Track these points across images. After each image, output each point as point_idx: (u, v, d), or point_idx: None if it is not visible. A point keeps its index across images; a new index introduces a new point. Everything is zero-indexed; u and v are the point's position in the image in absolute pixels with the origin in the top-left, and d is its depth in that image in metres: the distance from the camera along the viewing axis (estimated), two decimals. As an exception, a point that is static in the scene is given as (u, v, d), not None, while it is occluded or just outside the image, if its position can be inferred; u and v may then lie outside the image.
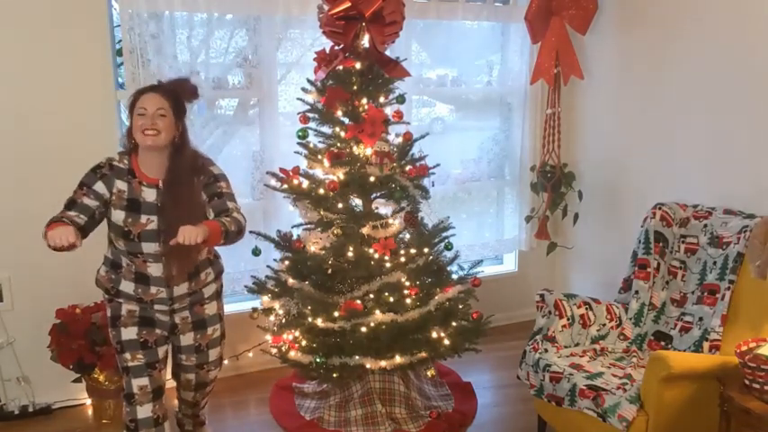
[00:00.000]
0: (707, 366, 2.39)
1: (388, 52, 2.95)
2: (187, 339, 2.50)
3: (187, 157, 2.32)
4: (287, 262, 3.05)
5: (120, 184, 2.27)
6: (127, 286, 2.35)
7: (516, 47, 4.00)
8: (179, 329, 2.48)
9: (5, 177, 3.00)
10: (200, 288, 2.46)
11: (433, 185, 3.14)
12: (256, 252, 3.08)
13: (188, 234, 2.03)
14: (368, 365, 2.83)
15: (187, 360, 2.55)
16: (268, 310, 3.08)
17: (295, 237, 3.10)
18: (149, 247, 2.26)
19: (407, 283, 2.90)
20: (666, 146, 3.41)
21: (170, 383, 2.62)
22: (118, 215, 2.26)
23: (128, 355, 2.37)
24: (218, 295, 2.56)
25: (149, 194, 2.28)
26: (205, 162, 2.39)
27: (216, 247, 2.53)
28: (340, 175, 2.90)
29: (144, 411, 2.37)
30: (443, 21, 3.79)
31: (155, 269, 2.31)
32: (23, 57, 2.95)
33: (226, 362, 2.69)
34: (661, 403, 2.33)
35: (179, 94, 2.33)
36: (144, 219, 2.25)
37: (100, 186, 2.26)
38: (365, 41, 2.88)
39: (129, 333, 2.37)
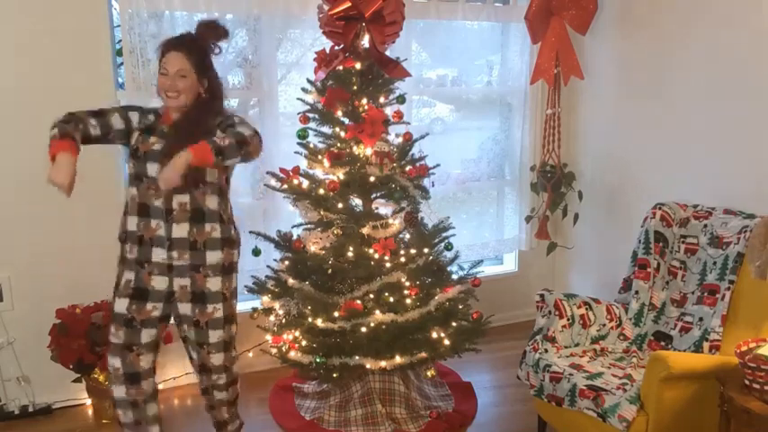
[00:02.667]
0: (707, 366, 2.39)
1: (388, 52, 2.95)
2: (185, 308, 2.41)
3: (206, 112, 2.33)
4: (287, 262, 3.06)
5: (151, 118, 2.39)
6: (132, 223, 2.34)
7: (516, 47, 4.00)
8: (176, 297, 2.40)
9: (5, 177, 3.00)
10: (202, 242, 2.35)
11: (433, 185, 3.14)
12: (256, 252, 3.08)
13: (166, 176, 2.07)
14: (368, 365, 2.83)
15: (187, 332, 2.47)
16: (268, 310, 3.08)
17: (295, 237, 3.10)
18: (151, 169, 2.27)
19: (407, 283, 2.90)
20: (666, 146, 3.41)
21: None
22: (134, 137, 2.34)
23: (112, 328, 2.38)
24: (224, 270, 2.42)
25: (165, 128, 2.35)
26: (228, 112, 2.39)
27: (232, 215, 2.49)
28: (340, 175, 2.90)
29: (118, 391, 2.38)
30: (443, 21, 3.79)
31: (156, 198, 2.30)
32: (23, 57, 2.95)
33: (235, 353, 2.59)
34: (661, 403, 2.33)
35: (204, 46, 2.34)
36: (153, 140, 2.31)
37: (134, 115, 2.37)
38: (365, 41, 2.88)
39: (120, 305, 2.37)
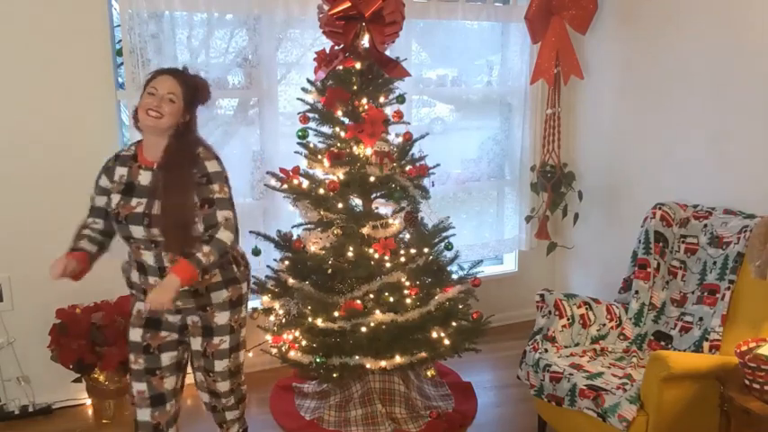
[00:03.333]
0: (707, 366, 2.39)
1: (388, 52, 2.95)
2: (195, 344, 2.41)
3: (187, 144, 2.27)
4: (287, 262, 3.06)
5: (122, 171, 2.27)
6: (135, 276, 2.33)
7: (516, 47, 4.00)
8: (189, 332, 2.40)
9: (5, 177, 3.00)
10: (204, 288, 2.32)
11: (433, 185, 3.14)
12: (256, 252, 3.08)
13: (154, 299, 2.07)
14: (368, 365, 2.83)
15: (197, 362, 2.47)
16: (268, 310, 3.08)
17: (295, 237, 3.10)
18: (137, 231, 2.20)
19: (407, 283, 2.90)
20: (666, 146, 3.41)
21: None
22: (114, 199, 2.25)
23: (132, 357, 2.37)
24: (231, 305, 2.39)
25: (145, 177, 2.24)
26: (203, 153, 2.26)
27: (240, 254, 2.46)
28: (340, 175, 2.90)
29: (143, 415, 2.36)
30: (443, 21, 3.79)
31: (148, 257, 2.24)
32: (23, 57, 2.95)
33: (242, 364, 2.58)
34: (661, 403, 2.33)
35: (196, 86, 2.30)
36: (134, 201, 2.22)
37: (103, 180, 2.29)
38: (365, 41, 2.88)
39: (135, 334, 2.36)
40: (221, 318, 2.38)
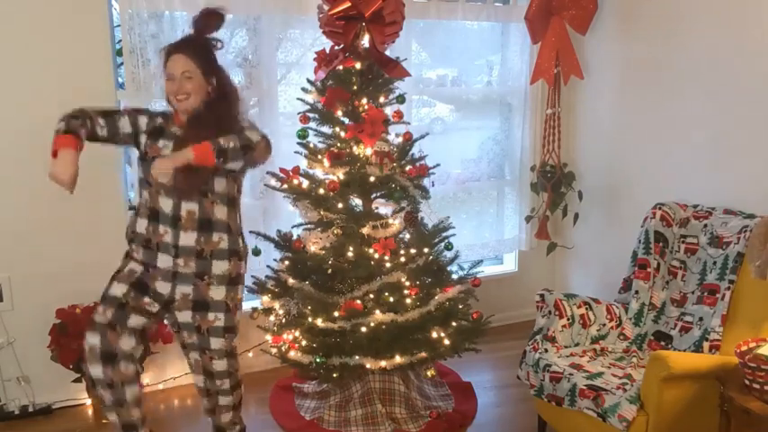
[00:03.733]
0: (707, 366, 2.39)
1: (388, 52, 2.95)
2: (185, 316, 2.38)
3: (218, 108, 2.29)
4: (287, 262, 3.05)
5: (159, 120, 2.35)
6: (141, 225, 2.31)
7: (516, 47, 4.00)
8: (176, 305, 2.37)
9: (5, 177, 3.00)
10: (209, 251, 2.31)
11: (433, 185, 3.14)
12: (256, 252, 3.08)
13: (158, 168, 2.06)
14: (368, 365, 2.83)
15: (189, 338, 2.44)
16: (268, 310, 3.08)
17: (295, 237, 3.10)
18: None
19: (407, 283, 2.90)
20: (666, 146, 3.41)
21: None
22: (143, 139, 2.31)
23: (99, 308, 2.30)
24: (229, 280, 2.38)
25: (176, 129, 2.31)
26: (235, 119, 2.32)
27: (242, 234, 2.45)
28: (340, 175, 2.90)
29: (95, 370, 2.28)
30: (443, 21, 3.79)
31: (165, 204, 2.26)
32: (23, 57, 2.95)
33: (238, 355, 2.56)
34: (661, 403, 2.33)
35: (206, 44, 2.30)
36: (161, 143, 2.29)
37: (143, 119, 2.33)
38: (365, 41, 2.88)
39: (117, 289, 2.31)
40: (217, 293, 2.36)
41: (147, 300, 2.34)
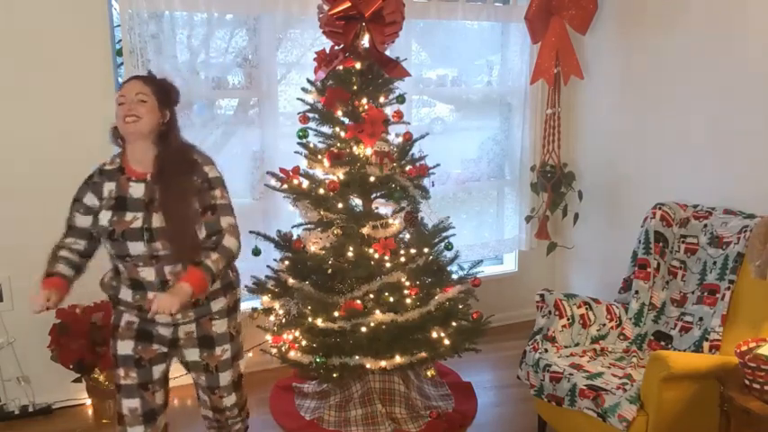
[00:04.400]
0: (707, 366, 2.39)
1: (388, 52, 2.95)
2: (192, 355, 2.32)
3: (176, 147, 2.17)
4: (287, 262, 3.05)
5: (110, 186, 2.15)
6: (126, 294, 2.20)
7: (516, 47, 4.00)
8: (181, 343, 2.30)
9: (5, 177, 3.00)
10: (204, 297, 2.25)
11: (433, 185, 3.14)
12: (256, 252, 3.08)
13: (162, 304, 1.96)
14: (368, 365, 2.83)
15: (197, 379, 2.40)
16: (268, 310, 3.08)
17: (295, 237, 3.10)
18: (135, 248, 2.09)
19: (407, 283, 2.90)
20: (666, 146, 3.41)
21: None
22: (104, 216, 2.12)
23: (121, 372, 2.23)
24: (229, 312, 2.33)
25: (137, 190, 2.13)
26: (200, 158, 2.20)
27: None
28: (340, 175, 2.90)
29: None
30: (443, 21, 3.79)
31: (147, 273, 2.13)
32: (23, 57, 2.95)
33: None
34: (661, 403, 2.33)
35: (164, 86, 2.19)
36: (129, 216, 2.10)
37: (90, 198, 2.17)
38: (365, 41, 2.88)
39: (125, 347, 2.23)
40: (220, 326, 2.31)
41: (154, 346, 2.27)
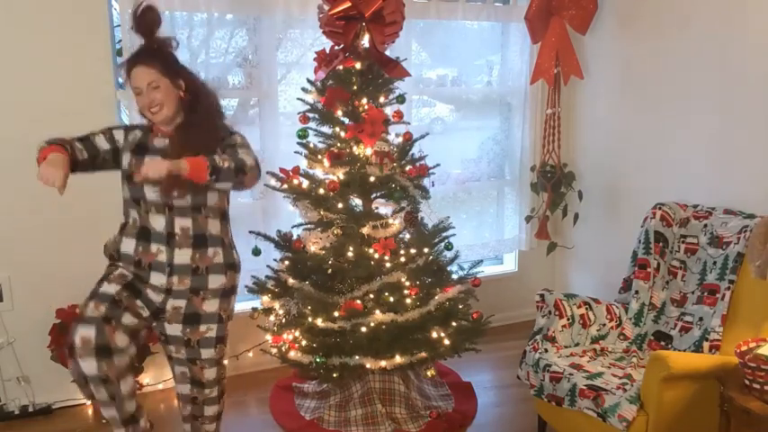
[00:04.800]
0: (707, 366, 2.39)
1: (388, 52, 2.95)
2: (174, 329, 2.30)
3: (203, 114, 2.25)
4: (287, 262, 3.05)
5: (138, 133, 2.29)
6: (128, 245, 2.22)
7: (516, 47, 4.00)
8: (166, 316, 2.28)
9: (5, 177, 3.00)
10: (204, 267, 2.25)
11: (433, 185, 3.14)
12: (256, 252, 3.08)
13: (151, 167, 1.96)
14: (368, 365, 2.83)
15: (177, 352, 2.37)
16: (268, 310, 3.08)
17: (295, 237, 3.10)
18: (150, 192, 2.16)
19: (407, 283, 2.90)
20: (666, 146, 3.41)
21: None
22: (126, 158, 2.24)
23: (91, 304, 2.14)
24: (224, 294, 2.33)
25: (160, 142, 2.25)
26: (222, 130, 2.30)
27: (233, 240, 2.40)
28: (340, 175, 2.90)
29: (89, 366, 2.08)
30: (443, 21, 3.79)
31: (157, 222, 2.20)
32: (23, 57, 2.95)
33: (226, 362, 2.52)
34: (661, 403, 2.33)
35: (161, 47, 2.22)
36: (146, 160, 2.19)
37: (119, 133, 2.28)
38: (365, 41, 2.88)
39: (109, 288, 2.19)
40: (210, 305, 2.30)
41: (138, 303, 2.25)
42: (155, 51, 2.22)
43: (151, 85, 2.16)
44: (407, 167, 2.98)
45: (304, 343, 2.92)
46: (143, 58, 2.19)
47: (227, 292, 2.36)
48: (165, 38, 2.26)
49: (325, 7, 2.85)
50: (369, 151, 2.88)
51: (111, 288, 2.20)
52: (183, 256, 2.23)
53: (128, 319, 2.21)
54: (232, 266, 2.36)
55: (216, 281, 2.30)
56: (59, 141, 2.13)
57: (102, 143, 2.25)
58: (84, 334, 2.08)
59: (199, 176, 2.03)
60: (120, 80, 3.25)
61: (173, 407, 3.30)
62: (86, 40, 3.04)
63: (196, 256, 2.25)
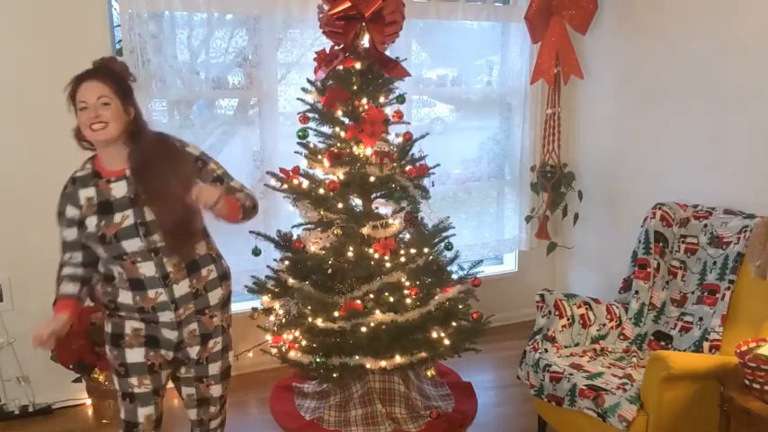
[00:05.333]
0: (707, 366, 2.39)
1: (388, 52, 2.95)
2: (194, 352, 2.27)
3: (152, 139, 2.10)
4: (287, 262, 3.06)
5: (87, 192, 2.09)
6: (125, 297, 2.12)
7: (516, 47, 4.00)
8: (185, 344, 2.24)
9: (5, 178, 3.00)
10: (202, 287, 2.22)
11: (433, 185, 3.14)
12: (256, 252, 3.08)
13: (205, 193, 1.92)
14: (368, 365, 2.83)
15: (186, 372, 2.35)
16: (268, 310, 3.08)
17: (295, 237, 3.10)
18: (131, 245, 2.04)
19: (407, 283, 2.90)
20: (667, 146, 3.41)
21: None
22: (91, 222, 2.06)
23: (134, 380, 2.15)
24: (223, 304, 2.31)
25: (119, 189, 2.06)
26: (177, 142, 2.14)
27: (218, 248, 2.37)
28: (340, 175, 2.90)
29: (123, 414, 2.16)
30: (443, 21, 3.79)
31: (146, 268, 2.07)
32: (23, 57, 2.95)
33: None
34: (661, 403, 2.33)
35: (118, 71, 2.12)
36: (118, 217, 2.04)
37: (70, 210, 2.11)
38: (365, 41, 2.88)
39: (136, 355, 2.15)
40: (217, 320, 2.30)
41: (162, 352, 2.23)
42: (112, 72, 2.11)
43: (101, 100, 2.00)
44: (407, 167, 2.98)
45: (304, 343, 2.92)
46: (99, 75, 2.07)
47: (226, 302, 2.35)
48: (125, 66, 2.16)
49: (325, 7, 2.85)
50: (369, 151, 2.88)
51: (138, 356, 2.18)
52: (182, 288, 2.17)
53: (164, 377, 2.26)
54: (225, 276, 2.33)
55: (215, 296, 2.28)
56: (61, 292, 2.13)
57: (71, 232, 2.13)
58: (147, 413, 2.18)
59: (233, 214, 2.05)
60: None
61: (173, 407, 3.30)
62: (86, 40, 3.04)
63: (193, 281, 2.19)
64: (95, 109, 1.99)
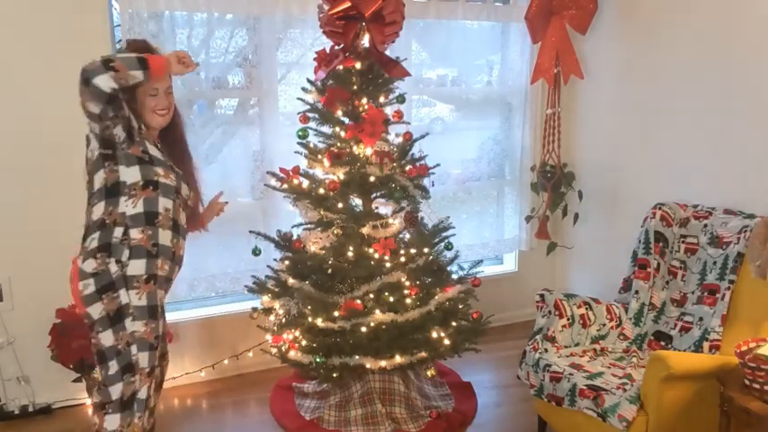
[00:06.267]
0: (707, 366, 2.39)
1: (388, 52, 2.95)
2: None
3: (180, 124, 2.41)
4: (287, 262, 3.05)
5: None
6: (165, 237, 2.18)
7: (516, 47, 4.00)
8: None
9: (5, 178, 3.00)
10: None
11: (433, 185, 3.13)
12: (256, 252, 3.08)
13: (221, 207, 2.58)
14: (368, 365, 2.83)
15: (162, 348, 2.41)
16: (268, 310, 3.08)
17: (295, 237, 3.10)
18: (184, 188, 2.29)
19: (407, 283, 2.90)
20: (666, 146, 3.41)
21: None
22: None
23: (158, 325, 2.21)
24: None
25: (154, 150, 2.24)
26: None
27: None
28: (340, 174, 2.90)
29: (144, 393, 2.24)
30: (443, 20, 3.79)
31: (182, 217, 2.28)
32: (23, 57, 2.95)
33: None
34: (661, 403, 2.34)
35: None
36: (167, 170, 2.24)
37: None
38: (365, 41, 2.88)
39: (160, 298, 2.23)
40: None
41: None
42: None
43: (167, 90, 2.26)
44: (407, 167, 2.98)
45: (304, 343, 2.92)
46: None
47: None
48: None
49: (325, 7, 2.85)
50: (369, 151, 2.88)
51: (160, 299, 2.24)
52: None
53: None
54: None
55: None
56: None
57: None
58: (148, 396, 2.27)
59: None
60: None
61: (173, 407, 3.31)
62: (86, 40, 3.04)
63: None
64: (166, 97, 2.25)
